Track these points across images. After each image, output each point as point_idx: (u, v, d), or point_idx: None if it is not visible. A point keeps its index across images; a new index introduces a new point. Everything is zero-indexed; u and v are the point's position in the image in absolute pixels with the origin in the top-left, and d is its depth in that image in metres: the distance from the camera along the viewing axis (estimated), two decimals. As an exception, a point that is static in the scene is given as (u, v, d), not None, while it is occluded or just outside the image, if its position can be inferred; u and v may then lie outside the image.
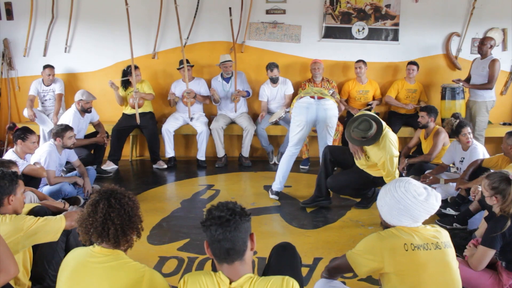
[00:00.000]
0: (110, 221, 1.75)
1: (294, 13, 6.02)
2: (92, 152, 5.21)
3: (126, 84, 5.63)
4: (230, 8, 5.83)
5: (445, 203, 4.00)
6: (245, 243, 1.63)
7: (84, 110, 5.07)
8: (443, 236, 1.95)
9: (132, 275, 1.71)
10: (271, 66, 5.64)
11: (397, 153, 3.67)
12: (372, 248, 1.92)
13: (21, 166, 3.66)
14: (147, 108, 5.72)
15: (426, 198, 1.91)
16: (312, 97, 4.23)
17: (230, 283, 1.61)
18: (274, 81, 5.72)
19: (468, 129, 4.16)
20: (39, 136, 5.47)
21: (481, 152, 4.09)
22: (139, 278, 1.71)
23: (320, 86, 5.75)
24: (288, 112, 5.83)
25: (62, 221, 2.40)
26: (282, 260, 2.11)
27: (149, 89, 5.70)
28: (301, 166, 5.54)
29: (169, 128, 5.67)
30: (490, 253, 2.42)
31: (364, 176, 3.93)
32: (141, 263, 1.78)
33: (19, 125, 4.25)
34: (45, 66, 5.62)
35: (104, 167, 5.43)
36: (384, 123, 3.78)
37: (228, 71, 5.74)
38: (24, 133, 3.91)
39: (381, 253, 1.88)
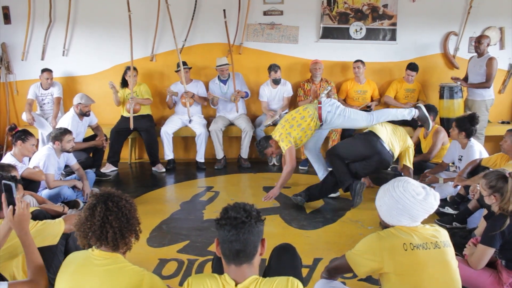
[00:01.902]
0: (108, 224, 1.74)
1: (291, 14, 6.03)
2: (91, 155, 5.21)
3: (124, 84, 5.66)
4: (224, 10, 5.84)
5: (444, 202, 4.01)
6: (256, 247, 1.62)
7: (83, 114, 5.07)
8: (442, 235, 1.95)
9: (131, 278, 1.71)
10: (274, 68, 5.64)
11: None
12: (371, 248, 1.92)
13: (20, 170, 3.65)
14: (145, 110, 5.72)
15: (425, 198, 1.91)
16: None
17: (236, 285, 1.60)
18: (276, 82, 5.72)
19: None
20: (38, 140, 5.48)
21: (477, 150, 4.09)
22: (139, 282, 1.71)
23: (319, 86, 5.76)
24: (286, 113, 5.85)
25: (61, 225, 2.40)
26: (283, 261, 2.11)
27: (147, 93, 5.72)
28: (300, 167, 5.54)
29: (167, 131, 5.66)
30: (490, 251, 2.42)
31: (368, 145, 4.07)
32: (140, 267, 1.78)
33: (20, 128, 4.25)
34: (43, 70, 5.62)
35: (103, 169, 5.44)
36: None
37: (224, 74, 5.74)
38: (25, 134, 3.93)
39: (381, 253, 1.88)
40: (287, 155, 4.17)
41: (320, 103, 4.31)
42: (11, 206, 1.93)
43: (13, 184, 1.96)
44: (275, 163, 5.82)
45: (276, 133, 4.29)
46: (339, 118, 4.26)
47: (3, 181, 1.97)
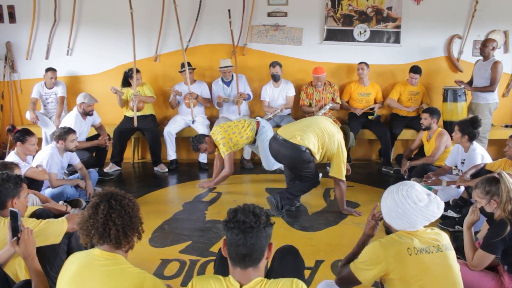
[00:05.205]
0: (111, 222, 1.75)
1: (295, 16, 6.03)
2: (94, 154, 5.22)
3: (125, 84, 5.66)
4: (229, 10, 5.84)
5: (447, 205, 3.99)
6: (263, 252, 1.61)
7: (86, 113, 5.07)
8: (444, 238, 1.95)
9: (133, 280, 1.71)
10: (273, 63, 5.69)
11: None
12: (377, 257, 1.91)
13: (23, 169, 3.66)
14: (148, 110, 5.73)
15: (427, 205, 1.89)
16: None
17: (241, 287, 1.59)
18: (275, 79, 5.72)
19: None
20: (41, 139, 5.49)
21: (479, 153, 4.06)
22: (140, 284, 1.70)
23: (322, 91, 5.74)
24: (289, 114, 5.86)
25: (64, 224, 2.41)
26: (286, 263, 2.10)
27: (150, 92, 5.72)
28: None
29: (170, 131, 5.68)
30: (490, 257, 2.42)
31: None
32: (142, 267, 1.78)
33: (19, 127, 4.25)
34: (47, 69, 5.64)
35: (106, 169, 5.45)
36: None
37: (227, 76, 5.75)
38: (23, 135, 3.91)
39: (386, 261, 1.87)
40: (227, 160, 4.55)
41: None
42: (15, 237, 1.98)
43: (18, 212, 2.01)
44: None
45: (217, 135, 4.62)
46: (264, 140, 4.65)
47: (10, 208, 2.03)
